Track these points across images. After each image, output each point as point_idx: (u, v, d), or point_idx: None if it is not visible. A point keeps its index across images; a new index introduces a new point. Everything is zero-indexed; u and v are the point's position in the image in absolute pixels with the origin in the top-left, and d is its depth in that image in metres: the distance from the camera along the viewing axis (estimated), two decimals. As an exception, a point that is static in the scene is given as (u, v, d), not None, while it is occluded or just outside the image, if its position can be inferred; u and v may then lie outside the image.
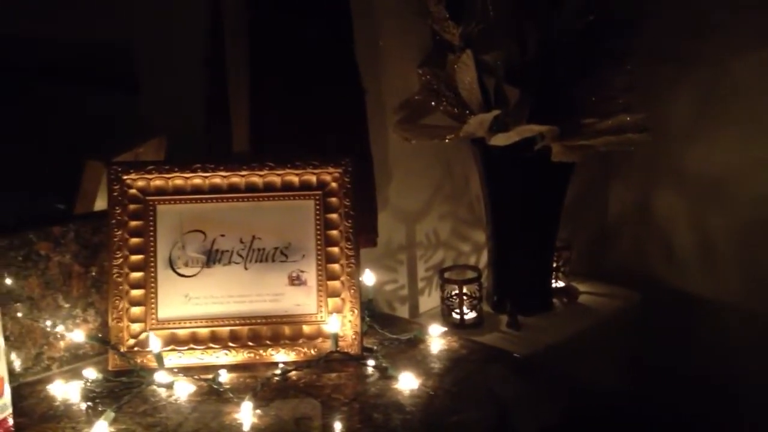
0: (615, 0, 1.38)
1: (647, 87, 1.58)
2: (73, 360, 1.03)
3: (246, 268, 1.02)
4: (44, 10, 1.01)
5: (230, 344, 1.00)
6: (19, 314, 0.99)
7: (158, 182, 1.02)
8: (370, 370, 0.99)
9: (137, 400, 0.92)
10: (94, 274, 1.05)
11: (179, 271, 1.01)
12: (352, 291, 1.03)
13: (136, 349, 0.99)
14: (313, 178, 1.05)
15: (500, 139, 1.30)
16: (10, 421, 0.83)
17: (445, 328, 1.10)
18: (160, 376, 0.95)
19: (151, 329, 0.99)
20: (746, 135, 1.61)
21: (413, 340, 1.08)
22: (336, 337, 1.00)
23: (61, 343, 1.02)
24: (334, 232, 1.04)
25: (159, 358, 0.96)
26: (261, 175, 1.04)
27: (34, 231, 0.99)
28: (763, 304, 1.64)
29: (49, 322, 1.01)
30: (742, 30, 1.56)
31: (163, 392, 0.94)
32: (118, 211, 1.01)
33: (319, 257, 1.04)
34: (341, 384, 0.95)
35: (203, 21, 1.14)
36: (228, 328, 1.01)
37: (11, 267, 0.97)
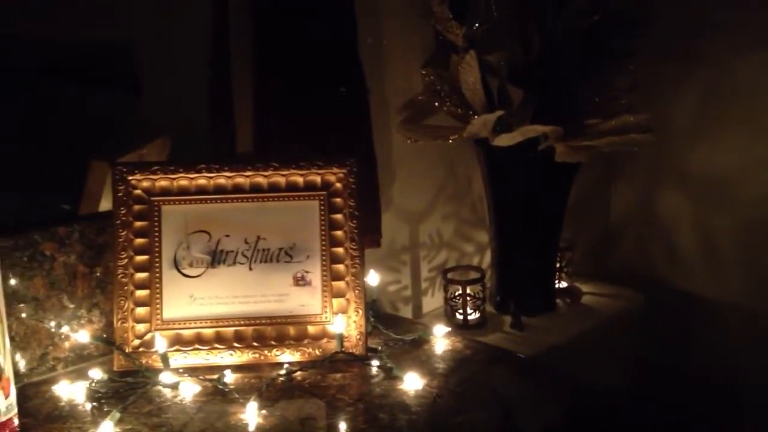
0: (618, 0, 1.39)
1: (650, 87, 1.58)
2: (78, 360, 1.03)
3: (251, 269, 1.02)
4: (44, 10, 1.01)
5: (235, 345, 1.00)
6: (24, 315, 0.99)
7: (163, 183, 1.02)
8: (374, 370, 0.99)
9: (142, 401, 0.92)
10: (98, 274, 1.05)
11: (184, 271, 1.01)
12: (357, 291, 1.03)
13: (141, 349, 0.99)
14: (318, 179, 1.05)
15: (504, 140, 1.30)
16: (16, 422, 0.83)
17: (449, 329, 1.10)
18: (166, 377, 0.95)
19: (156, 330, 0.99)
20: (749, 135, 1.61)
21: (417, 340, 1.08)
22: (341, 338, 1.00)
23: (66, 344, 1.02)
24: (339, 233, 1.04)
25: (165, 358, 0.96)
26: (265, 176, 1.04)
27: (39, 231, 0.99)
28: (765, 305, 1.64)
29: (54, 323, 1.01)
30: (745, 30, 1.56)
31: (168, 393, 0.94)
32: (122, 212, 1.01)
33: (324, 258, 1.04)
34: (346, 384, 0.95)
35: (205, 20, 1.14)
36: (233, 329, 1.01)
37: (16, 267, 0.97)
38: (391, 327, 1.11)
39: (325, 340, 1.02)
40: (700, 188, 1.70)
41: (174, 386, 0.94)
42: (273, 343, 1.01)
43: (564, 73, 1.35)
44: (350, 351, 1.01)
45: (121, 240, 1.00)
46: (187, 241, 1.01)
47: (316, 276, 1.03)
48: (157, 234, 1.01)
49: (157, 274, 1.00)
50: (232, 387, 0.94)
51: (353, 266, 1.04)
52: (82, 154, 1.09)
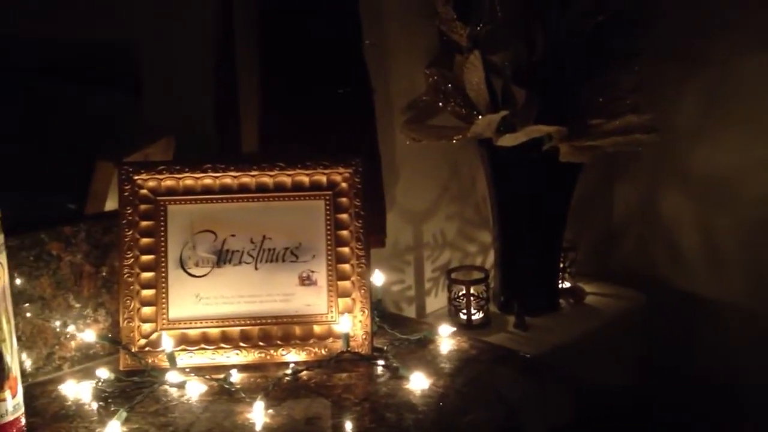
0: (623, 0, 1.39)
1: (654, 87, 1.59)
2: (84, 360, 1.03)
3: (256, 269, 1.02)
4: (44, 10, 1.01)
5: (241, 344, 1.01)
6: (30, 314, 0.99)
7: (169, 182, 1.02)
8: (380, 370, 0.99)
9: (149, 400, 0.92)
10: (104, 274, 1.05)
11: (190, 271, 1.01)
12: (363, 291, 1.04)
13: (147, 349, 0.99)
14: (324, 178, 1.05)
15: (508, 140, 1.30)
16: (23, 421, 0.83)
17: (455, 328, 1.11)
18: (172, 376, 0.95)
19: (161, 329, 0.99)
20: (751, 135, 1.61)
21: (423, 340, 1.08)
22: (347, 337, 1.00)
23: (72, 343, 1.02)
24: (345, 233, 1.04)
25: (171, 357, 0.96)
26: (271, 176, 1.04)
27: (46, 231, 0.99)
28: (766, 305, 1.64)
29: (60, 322, 1.01)
30: (749, 30, 1.57)
31: (174, 392, 0.94)
32: (128, 211, 1.01)
33: (330, 257, 1.04)
34: (352, 384, 0.95)
35: (207, 20, 1.15)
36: (239, 328, 1.01)
37: (22, 267, 0.97)
38: (397, 327, 1.11)
39: (330, 339, 1.02)
40: (702, 188, 1.71)
41: (180, 386, 0.94)
42: (279, 342, 1.01)
43: (568, 74, 1.36)
44: (356, 351, 1.01)
45: (127, 239, 1.00)
46: (192, 240, 1.01)
47: (321, 276, 1.03)
48: (163, 234, 1.01)
49: (163, 274, 1.00)
50: (238, 386, 0.94)
51: (359, 266, 1.04)
52: (83, 154, 1.09)
